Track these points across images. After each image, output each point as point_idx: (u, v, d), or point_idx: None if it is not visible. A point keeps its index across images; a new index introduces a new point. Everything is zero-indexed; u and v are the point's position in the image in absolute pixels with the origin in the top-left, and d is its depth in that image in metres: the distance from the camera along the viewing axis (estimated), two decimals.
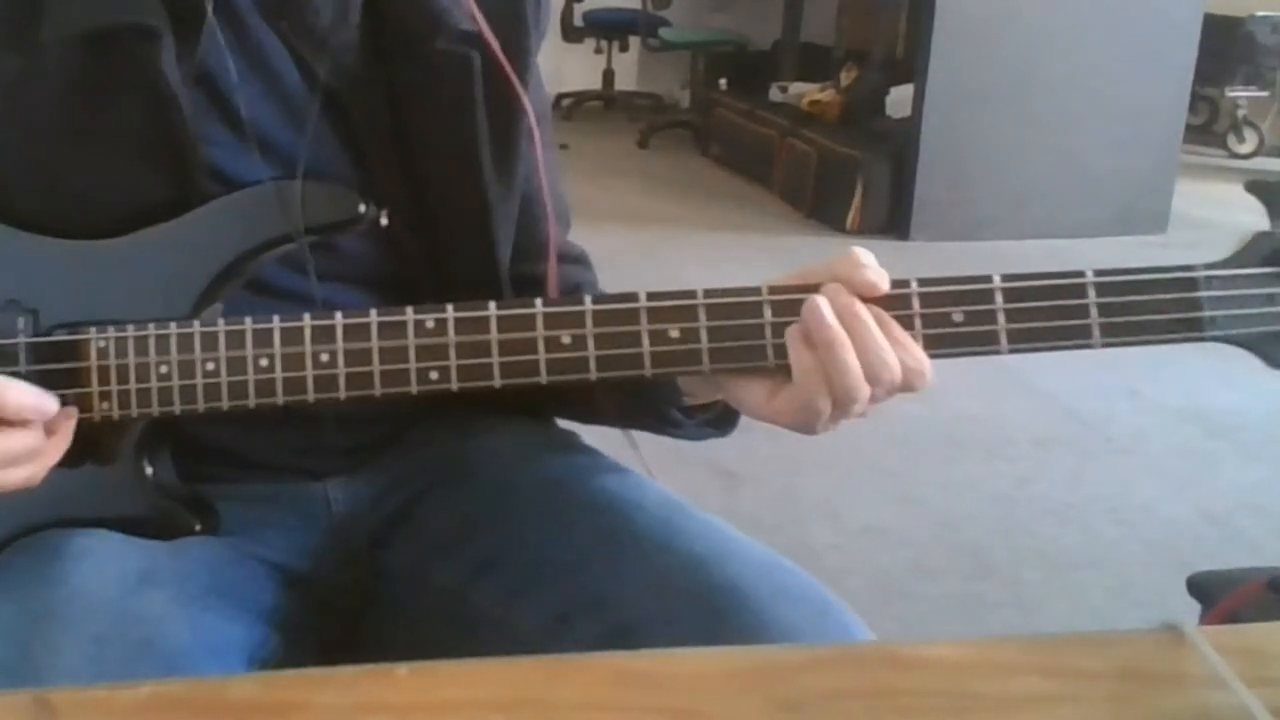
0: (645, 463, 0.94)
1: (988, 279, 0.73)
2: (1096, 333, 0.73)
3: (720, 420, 0.87)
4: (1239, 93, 6.38)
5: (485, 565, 0.88)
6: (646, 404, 0.86)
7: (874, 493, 2.54)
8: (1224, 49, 5.90)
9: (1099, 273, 0.73)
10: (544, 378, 0.76)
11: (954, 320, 0.73)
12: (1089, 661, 0.62)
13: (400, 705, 0.57)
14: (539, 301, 0.76)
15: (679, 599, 0.78)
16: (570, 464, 0.93)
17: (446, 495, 0.93)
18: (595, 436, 0.98)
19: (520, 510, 0.89)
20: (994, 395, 3.12)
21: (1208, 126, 6.62)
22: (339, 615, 0.92)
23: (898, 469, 2.63)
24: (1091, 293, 0.73)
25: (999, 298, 0.73)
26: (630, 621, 0.79)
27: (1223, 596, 1.34)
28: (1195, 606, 1.38)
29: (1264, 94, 6.41)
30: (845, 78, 5.66)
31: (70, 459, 0.80)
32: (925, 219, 4.71)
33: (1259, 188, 0.75)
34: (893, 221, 4.80)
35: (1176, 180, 5.02)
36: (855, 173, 4.83)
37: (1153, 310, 0.73)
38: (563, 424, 1.01)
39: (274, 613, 0.86)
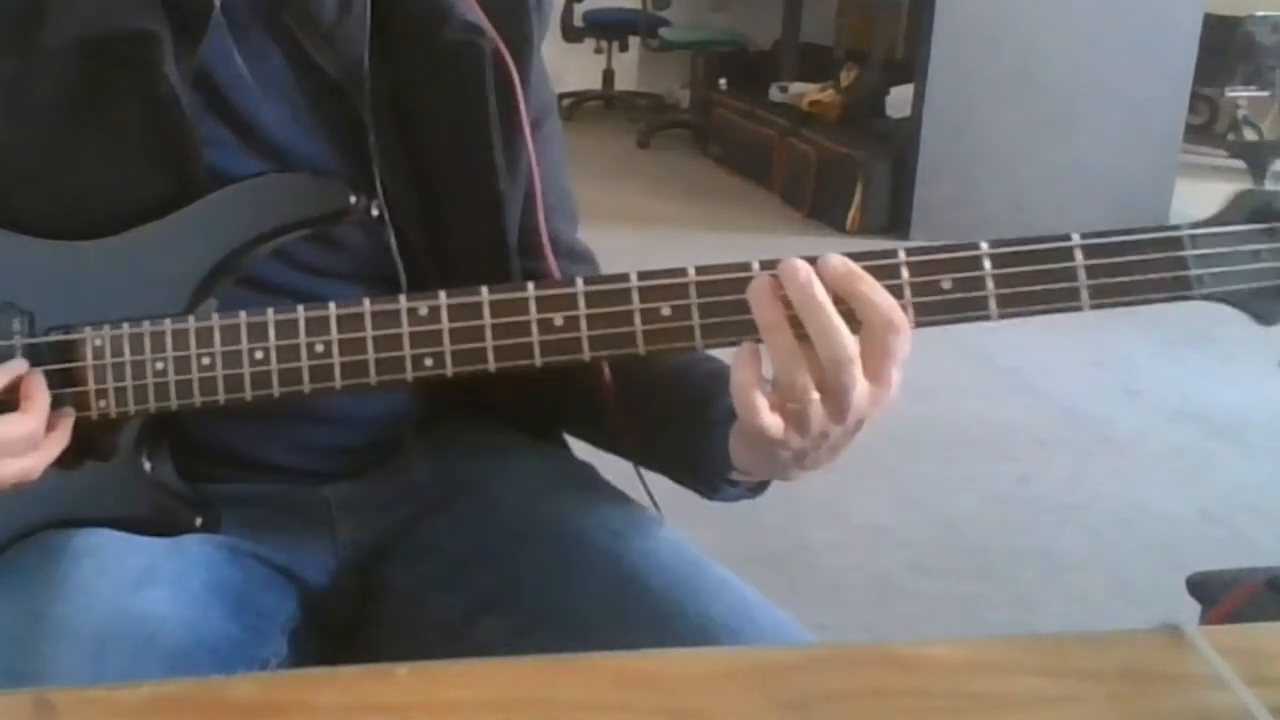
0: (654, 499, 0.93)
1: (975, 246, 0.73)
2: (1085, 295, 0.73)
3: (759, 485, 0.86)
4: (1239, 93, 6.37)
5: (488, 603, 0.87)
6: (698, 472, 0.86)
7: (874, 492, 2.53)
8: (1224, 49, 5.89)
9: (1086, 235, 0.73)
10: (538, 360, 0.76)
11: (943, 288, 0.73)
12: (1089, 661, 0.62)
13: (400, 705, 0.57)
14: (531, 285, 0.76)
15: None
16: (585, 500, 0.91)
17: (454, 519, 0.92)
18: (602, 462, 0.97)
19: (531, 547, 0.88)
20: (994, 395, 3.12)
21: (1208, 126, 6.62)
22: (338, 621, 0.91)
23: (898, 469, 2.63)
24: (1079, 255, 0.73)
25: (987, 264, 0.73)
26: None
27: (1223, 596, 1.34)
28: (1195, 606, 1.38)
29: (1264, 94, 6.40)
30: (845, 78, 5.66)
31: (69, 458, 0.80)
32: (925, 219, 4.70)
33: (1241, 147, 0.75)
34: (893, 221, 4.80)
35: (1176, 180, 5.02)
36: (855, 173, 4.83)
37: (1140, 271, 0.73)
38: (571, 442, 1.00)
39: (276, 614, 0.86)
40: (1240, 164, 6.30)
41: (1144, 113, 4.83)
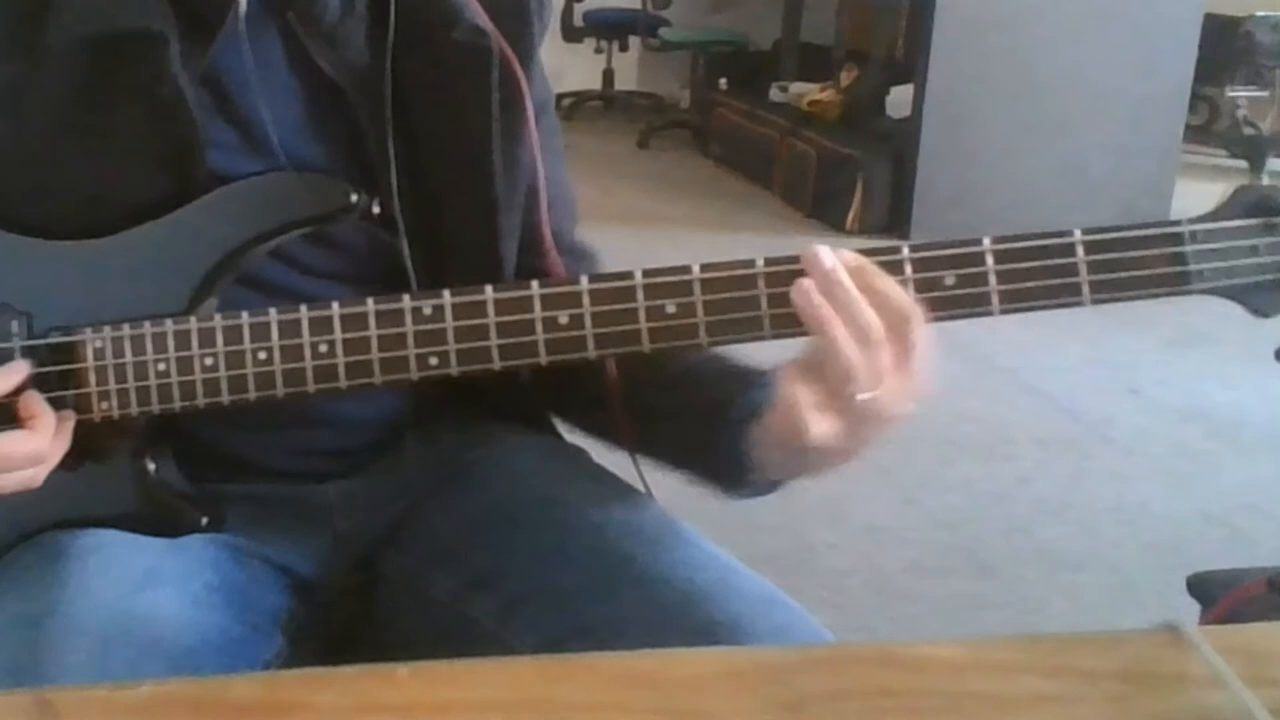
0: (644, 478, 0.93)
1: (978, 242, 0.74)
2: (1086, 290, 0.74)
3: (773, 481, 0.86)
4: (1239, 93, 6.38)
5: (483, 579, 0.87)
6: (718, 473, 0.86)
7: (874, 493, 2.53)
8: (1224, 49, 5.89)
9: (1087, 231, 0.74)
10: (543, 358, 0.76)
11: (946, 284, 0.74)
12: (1089, 661, 0.62)
13: (400, 705, 0.57)
14: (535, 283, 0.76)
15: (677, 634, 0.77)
16: (574, 481, 0.92)
17: (448, 504, 0.93)
18: (599, 448, 0.97)
19: (521, 526, 0.89)
20: (993, 395, 3.11)
21: (1208, 126, 6.62)
22: (341, 618, 0.92)
23: (897, 469, 2.63)
24: (1080, 251, 0.74)
25: (990, 259, 0.74)
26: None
27: (1223, 596, 1.34)
28: (1195, 606, 1.38)
29: (1264, 94, 6.41)
30: (845, 78, 5.66)
31: (72, 459, 0.80)
32: (925, 219, 4.70)
33: (1239, 142, 0.76)
34: (893, 221, 4.80)
35: (1176, 180, 5.02)
36: (855, 173, 4.83)
37: (1140, 266, 0.74)
38: (568, 437, 1.00)
39: (278, 613, 0.86)
40: (1241, 164, 6.30)
41: (1144, 113, 4.83)
